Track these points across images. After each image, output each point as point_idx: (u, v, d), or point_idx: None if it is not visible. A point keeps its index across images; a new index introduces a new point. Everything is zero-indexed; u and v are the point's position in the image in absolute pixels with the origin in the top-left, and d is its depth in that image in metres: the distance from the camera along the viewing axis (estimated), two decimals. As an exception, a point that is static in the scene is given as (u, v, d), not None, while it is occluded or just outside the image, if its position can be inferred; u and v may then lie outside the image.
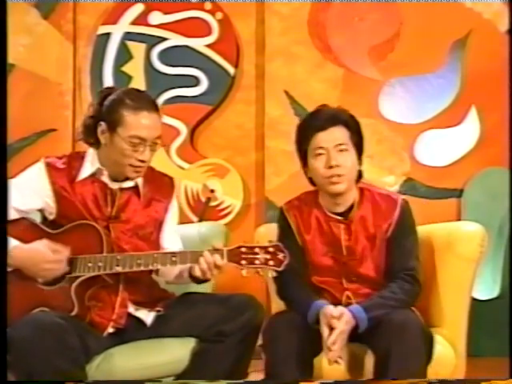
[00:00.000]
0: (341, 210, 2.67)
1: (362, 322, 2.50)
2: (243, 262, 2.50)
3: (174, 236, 2.75)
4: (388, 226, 2.64)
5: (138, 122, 2.58)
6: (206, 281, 2.61)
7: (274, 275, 2.53)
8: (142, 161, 2.60)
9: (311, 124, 2.65)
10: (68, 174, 2.65)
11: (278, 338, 2.49)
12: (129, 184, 2.68)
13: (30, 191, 2.63)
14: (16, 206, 2.61)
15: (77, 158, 2.69)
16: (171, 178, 2.81)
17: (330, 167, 2.60)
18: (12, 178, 2.67)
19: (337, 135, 2.62)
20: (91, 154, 2.69)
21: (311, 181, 2.71)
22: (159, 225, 2.72)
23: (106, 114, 2.61)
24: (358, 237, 2.64)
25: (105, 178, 2.66)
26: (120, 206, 2.66)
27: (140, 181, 2.70)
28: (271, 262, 2.50)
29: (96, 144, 2.66)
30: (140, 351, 2.59)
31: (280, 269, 2.50)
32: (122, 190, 2.67)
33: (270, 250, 2.51)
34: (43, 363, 2.35)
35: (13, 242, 2.54)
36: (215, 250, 2.53)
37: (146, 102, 2.62)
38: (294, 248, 2.63)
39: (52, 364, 2.35)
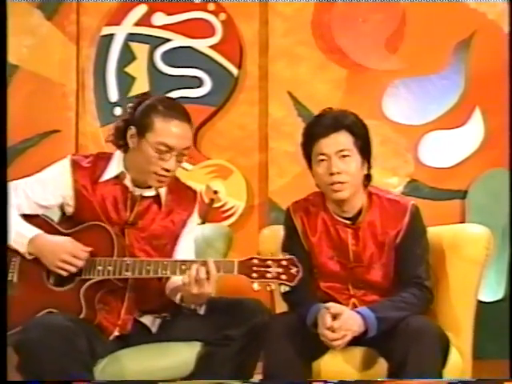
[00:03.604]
0: (348, 215, 2.64)
1: (371, 323, 2.45)
2: (254, 274, 2.43)
3: (189, 252, 2.70)
4: (397, 232, 2.61)
5: (167, 130, 2.56)
6: (195, 310, 2.58)
7: (287, 290, 2.43)
8: (167, 170, 2.57)
9: (314, 130, 2.63)
10: (92, 173, 2.64)
11: (274, 339, 2.47)
12: (151, 193, 2.66)
13: (52, 187, 2.64)
14: (37, 200, 2.63)
15: (103, 158, 2.68)
16: (195, 191, 2.77)
17: (331, 174, 2.57)
18: (14, 179, 2.69)
19: (339, 141, 2.59)
20: (118, 155, 2.67)
21: (318, 185, 2.69)
22: (175, 238, 2.69)
23: (138, 118, 2.60)
24: (365, 242, 2.61)
25: (127, 182, 2.64)
26: (139, 213, 2.64)
27: (163, 190, 2.67)
28: (283, 277, 2.42)
29: (124, 147, 2.65)
30: (146, 354, 2.59)
31: (293, 284, 2.41)
32: (143, 197, 2.65)
33: (283, 263, 2.42)
34: (52, 365, 2.35)
35: (35, 230, 2.55)
36: (204, 262, 2.46)
37: (178, 111, 2.60)
38: (298, 250, 2.61)
39: (61, 366, 2.36)
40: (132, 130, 2.60)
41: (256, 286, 2.43)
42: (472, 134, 3.80)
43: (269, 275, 2.42)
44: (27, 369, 2.39)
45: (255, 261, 2.45)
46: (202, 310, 2.62)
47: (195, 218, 2.77)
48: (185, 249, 2.70)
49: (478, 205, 3.73)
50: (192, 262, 2.50)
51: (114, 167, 2.65)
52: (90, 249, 2.53)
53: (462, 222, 3.69)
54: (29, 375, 2.39)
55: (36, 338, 2.35)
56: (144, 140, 2.57)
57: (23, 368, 2.39)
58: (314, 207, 2.68)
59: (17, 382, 2.44)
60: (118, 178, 2.64)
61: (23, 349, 2.36)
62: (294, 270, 2.42)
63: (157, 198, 2.67)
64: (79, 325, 2.43)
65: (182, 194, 2.74)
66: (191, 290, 2.46)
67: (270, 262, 2.43)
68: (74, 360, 2.37)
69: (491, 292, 3.60)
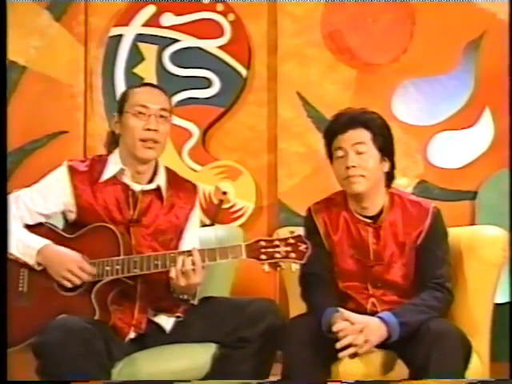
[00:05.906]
0: (369, 213, 2.65)
1: (394, 328, 2.44)
2: (263, 256, 2.42)
3: (194, 246, 2.66)
4: (418, 233, 2.62)
5: (140, 93, 2.67)
6: (188, 300, 2.60)
7: (297, 268, 2.43)
8: (149, 129, 2.59)
9: (332, 127, 2.69)
10: (90, 176, 2.65)
11: (294, 341, 2.47)
12: (151, 186, 2.67)
13: (52, 196, 2.64)
14: (38, 210, 2.64)
15: (99, 161, 2.70)
16: (194, 185, 2.79)
17: (347, 168, 2.60)
18: (23, 180, 2.69)
19: (355, 136, 2.62)
20: (114, 155, 2.69)
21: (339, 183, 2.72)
22: (180, 232, 2.70)
23: (118, 105, 2.72)
24: (386, 242, 2.62)
25: (126, 179, 2.65)
26: (142, 210, 2.64)
27: (163, 184, 2.69)
28: (293, 255, 2.41)
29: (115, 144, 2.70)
30: (161, 356, 2.59)
31: (303, 261, 2.40)
32: (144, 192, 2.65)
33: (291, 241, 2.42)
34: (71, 367, 2.36)
35: (42, 241, 2.56)
36: (189, 253, 2.48)
37: (152, 85, 2.81)
38: (320, 251, 2.61)
39: (79, 368, 2.36)
40: (115, 117, 2.69)
41: (266, 267, 2.41)
42: (482, 135, 3.78)
43: (278, 255, 2.41)
44: (46, 371, 2.40)
45: (262, 242, 2.44)
46: (195, 300, 2.63)
47: (197, 211, 2.78)
48: (190, 243, 2.69)
49: (488, 206, 3.71)
50: (199, 251, 2.50)
51: (112, 166, 2.66)
52: (95, 270, 2.53)
53: (472, 223, 3.68)
54: (48, 377, 2.40)
55: (55, 340, 2.36)
56: (124, 114, 2.65)
57: (42, 370, 2.40)
58: (335, 206, 2.70)
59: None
60: (117, 178, 2.65)
61: (42, 351, 2.38)
62: (302, 247, 2.41)
63: (158, 192, 2.67)
64: (96, 327, 2.44)
65: (181, 187, 2.75)
66: (179, 283, 2.48)
67: (277, 242, 2.43)
68: (93, 362, 2.38)
69: (503, 293, 3.57)
